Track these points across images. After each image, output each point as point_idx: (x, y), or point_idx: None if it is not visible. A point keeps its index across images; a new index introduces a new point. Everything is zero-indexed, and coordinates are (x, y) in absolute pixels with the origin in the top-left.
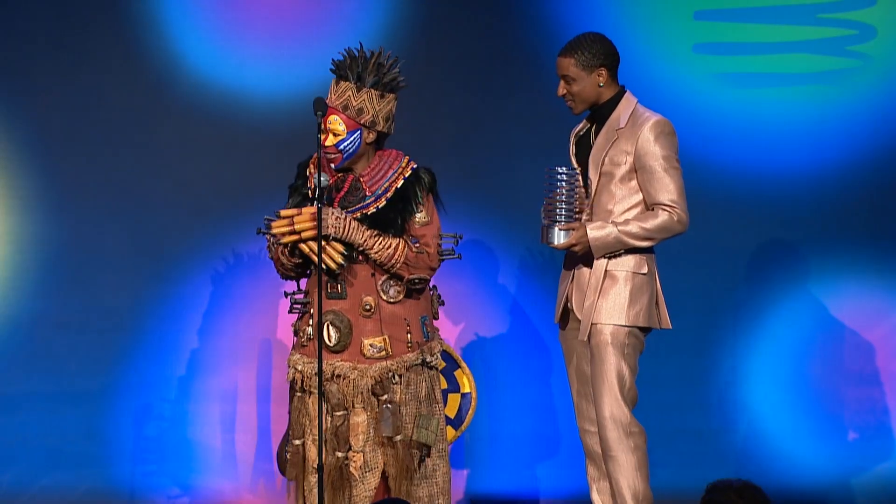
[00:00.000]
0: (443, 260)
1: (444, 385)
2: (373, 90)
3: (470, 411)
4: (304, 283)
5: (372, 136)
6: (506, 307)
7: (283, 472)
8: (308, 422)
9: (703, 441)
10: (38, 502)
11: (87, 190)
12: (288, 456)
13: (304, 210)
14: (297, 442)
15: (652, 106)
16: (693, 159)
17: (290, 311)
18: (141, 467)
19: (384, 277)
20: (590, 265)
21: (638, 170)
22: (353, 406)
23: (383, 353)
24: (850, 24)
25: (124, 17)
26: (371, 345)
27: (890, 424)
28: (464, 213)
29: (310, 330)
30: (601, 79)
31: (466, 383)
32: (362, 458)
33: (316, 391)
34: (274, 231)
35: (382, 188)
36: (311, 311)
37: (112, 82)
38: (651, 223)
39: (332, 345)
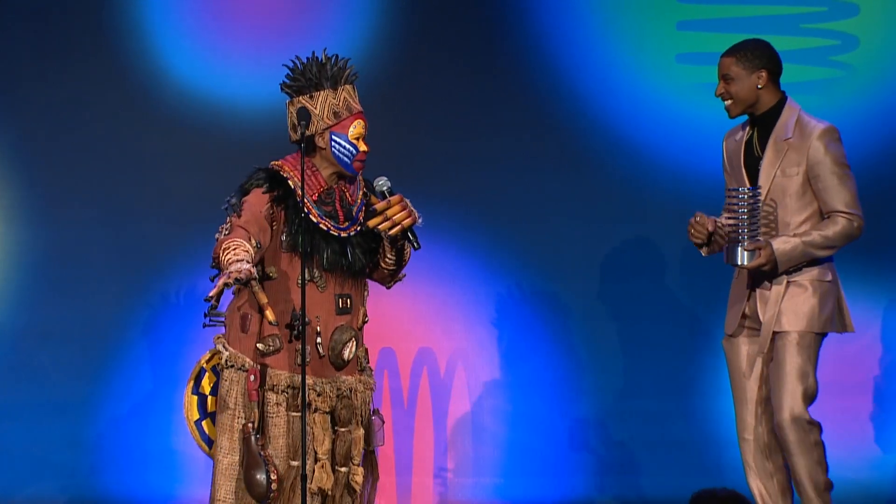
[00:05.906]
0: None
1: None
2: None
3: None
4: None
5: None
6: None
7: (260, 498)
8: (315, 442)
9: (686, 451)
10: None
11: (70, 200)
12: (273, 476)
13: (391, 200)
14: (296, 463)
15: (636, 116)
16: (676, 168)
17: (205, 326)
18: (125, 477)
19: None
20: (771, 278)
21: (811, 179)
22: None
23: (367, 363)
24: (833, 35)
25: (108, 27)
26: (359, 356)
27: (873, 434)
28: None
29: (309, 347)
30: (761, 80)
31: None
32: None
33: (323, 410)
34: (372, 225)
35: (361, 199)
36: (318, 328)
37: (96, 91)
38: (832, 231)
39: (347, 360)
